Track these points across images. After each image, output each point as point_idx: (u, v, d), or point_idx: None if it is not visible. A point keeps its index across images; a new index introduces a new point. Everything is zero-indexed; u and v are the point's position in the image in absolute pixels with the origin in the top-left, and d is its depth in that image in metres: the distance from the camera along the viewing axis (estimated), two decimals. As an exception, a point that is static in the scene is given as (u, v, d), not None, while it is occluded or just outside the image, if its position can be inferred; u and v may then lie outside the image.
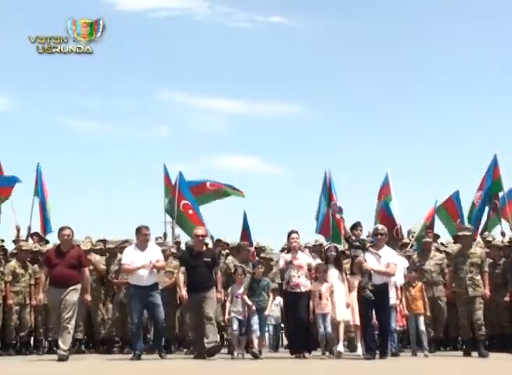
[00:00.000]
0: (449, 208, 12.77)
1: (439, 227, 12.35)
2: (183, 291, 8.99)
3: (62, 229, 8.83)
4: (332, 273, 9.43)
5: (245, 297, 9.05)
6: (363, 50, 25.28)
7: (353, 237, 9.07)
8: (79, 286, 8.60)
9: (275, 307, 9.75)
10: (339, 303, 9.23)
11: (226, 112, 26.37)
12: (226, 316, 9.23)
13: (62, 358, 8.07)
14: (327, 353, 9.03)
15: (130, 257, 9.03)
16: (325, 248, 10.16)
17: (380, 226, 9.26)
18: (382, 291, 8.64)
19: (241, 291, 9.12)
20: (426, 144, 24.81)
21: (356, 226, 9.26)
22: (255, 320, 9.01)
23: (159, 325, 9.08)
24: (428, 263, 10.73)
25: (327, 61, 25.80)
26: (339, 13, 25.70)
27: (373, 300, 8.51)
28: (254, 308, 8.97)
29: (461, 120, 24.93)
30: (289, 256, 9.29)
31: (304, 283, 9.13)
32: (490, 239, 11.46)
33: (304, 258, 9.40)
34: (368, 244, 9.05)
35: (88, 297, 8.94)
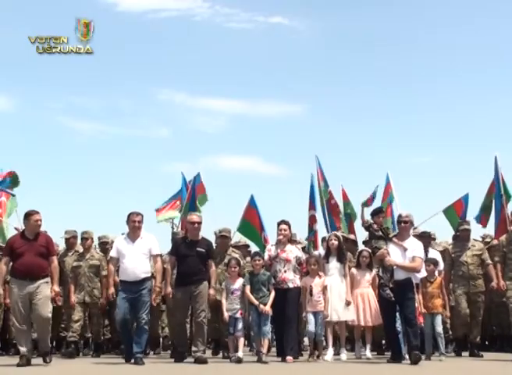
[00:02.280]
0: (457, 209, 12.41)
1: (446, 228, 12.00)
2: (169, 288, 8.17)
3: (30, 213, 7.76)
4: (333, 265, 8.55)
5: (248, 293, 8.03)
6: (363, 50, 25.31)
7: (375, 226, 7.87)
8: (49, 279, 7.66)
9: None
10: (340, 301, 8.40)
11: (227, 112, 26.47)
12: (225, 315, 8.15)
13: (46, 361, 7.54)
14: (315, 357, 8.10)
15: (118, 249, 8.12)
16: (326, 237, 9.13)
17: (404, 213, 7.99)
18: (404, 286, 7.65)
19: (236, 286, 8.15)
20: (427, 145, 24.83)
21: (378, 212, 8.13)
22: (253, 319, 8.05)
23: (142, 326, 7.95)
24: (464, 255, 9.48)
25: (327, 61, 25.85)
26: (339, 13, 25.74)
27: (394, 299, 7.61)
28: (264, 308, 7.92)
29: (462, 120, 24.96)
30: (274, 249, 8.42)
31: (291, 279, 8.20)
32: (489, 240, 11.28)
33: (293, 251, 8.45)
34: (392, 234, 7.97)
35: (56, 288, 7.75)
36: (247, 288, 8.07)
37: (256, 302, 7.95)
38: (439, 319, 8.85)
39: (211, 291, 8.13)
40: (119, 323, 8.00)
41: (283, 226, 8.47)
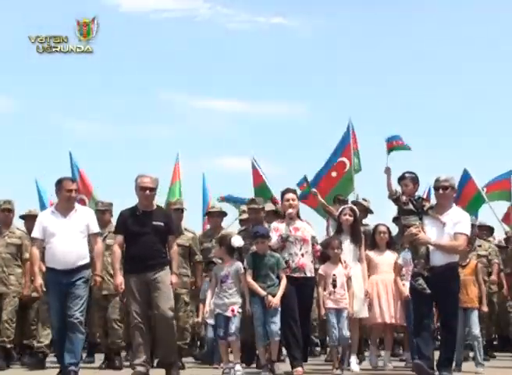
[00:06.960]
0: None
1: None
2: (119, 277, 6.03)
3: None
4: (346, 246, 6.74)
5: (250, 280, 6.19)
6: (363, 50, 25.33)
7: (404, 198, 5.89)
8: None
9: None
10: (358, 292, 6.71)
11: (227, 112, 26.44)
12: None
13: None
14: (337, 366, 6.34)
15: (44, 227, 6.03)
16: (339, 211, 7.13)
17: (443, 176, 5.83)
18: (444, 275, 5.71)
19: (226, 271, 6.28)
20: (427, 146, 24.83)
21: (401, 178, 6.04)
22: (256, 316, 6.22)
23: (76, 327, 5.87)
24: None
25: (327, 61, 25.83)
26: (339, 14, 25.74)
27: (430, 292, 5.71)
28: (272, 300, 6.12)
29: (463, 120, 25.00)
30: (284, 227, 6.42)
31: (309, 266, 6.38)
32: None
33: (307, 229, 6.52)
34: (427, 206, 5.93)
35: None
36: (249, 273, 6.23)
37: (263, 292, 6.14)
38: (474, 317, 6.74)
39: (174, 279, 6.13)
40: (56, 328, 6.09)
41: (291, 196, 6.52)
